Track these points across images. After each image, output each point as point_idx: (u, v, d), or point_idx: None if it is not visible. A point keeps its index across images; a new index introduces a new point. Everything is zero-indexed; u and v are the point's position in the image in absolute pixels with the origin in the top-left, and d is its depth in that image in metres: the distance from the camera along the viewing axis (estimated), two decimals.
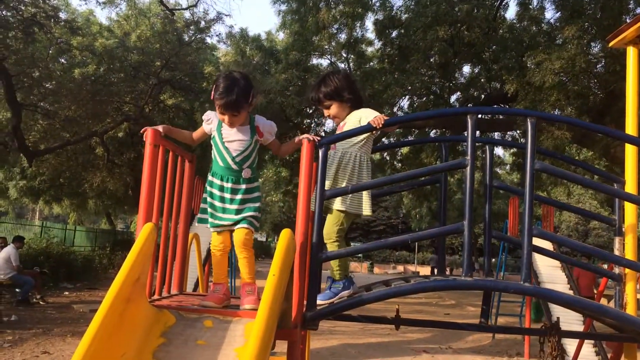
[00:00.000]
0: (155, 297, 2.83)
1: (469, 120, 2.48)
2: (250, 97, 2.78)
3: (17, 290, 11.38)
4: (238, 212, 2.75)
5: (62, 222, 33.03)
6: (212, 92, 2.78)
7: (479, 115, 14.62)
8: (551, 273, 8.33)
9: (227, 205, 2.77)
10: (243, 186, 2.77)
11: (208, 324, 2.26)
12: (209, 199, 2.81)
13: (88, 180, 18.42)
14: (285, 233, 2.35)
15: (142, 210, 2.50)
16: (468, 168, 2.47)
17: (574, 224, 40.02)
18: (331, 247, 2.95)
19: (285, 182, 19.01)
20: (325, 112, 3.22)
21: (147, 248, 2.26)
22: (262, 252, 45.43)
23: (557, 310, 7.02)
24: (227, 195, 2.76)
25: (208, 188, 2.83)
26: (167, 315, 2.27)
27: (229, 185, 2.76)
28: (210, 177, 2.83)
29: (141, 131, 2.68)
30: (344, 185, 2.93)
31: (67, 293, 13.49)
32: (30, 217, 41.44)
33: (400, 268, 41.59)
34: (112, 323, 1.93)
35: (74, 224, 31.06)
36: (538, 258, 8.26)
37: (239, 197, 2.76)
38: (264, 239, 53.51)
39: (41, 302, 11.30)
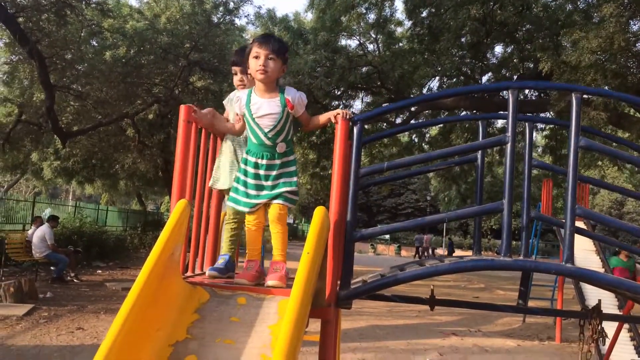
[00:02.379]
0: (189, 273, 2.85)
1: (510, 95, 2.39)
2: (285, 55, 2.77)
3: (52, 268, 11.70)
4: (273, 187, 2.72)
5: (95, 202, 33.78)
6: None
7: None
8: (586, 257, 8.15)
9: (263, 182, 2.73)
10: (278, 161, 2.73)
11: (241, 301, 2.26)
12: (242, 177, 2.77)
13: (119, 162, 18.73)
14: (319, 211, 2.31)
15: (176, 187, 2.50)
16: (509, 145, 2.39)
17: (607, 208, 39.18)
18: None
19: (313, 165, 18.98)
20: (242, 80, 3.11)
21: (180, 224, 2.26)
22: (290, 234, 45.61)
23: (591, 295, 6.88)
24: (262, 172, 2.73)
25: (242, 166, 2.79)
26: (201, 292, 2.28)
27: (264, 161, 2.72)
28: (245, 156, 2.80)
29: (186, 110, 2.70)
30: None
31: (100, 271, 13.82)
32: (63, 197, 42.46)
33: (440, 252, 41.41)
34: (148, 298, 1.94)
35: (106, 204, 31.73)
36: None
37: (274, 172, 2.72)
38: (291, 221, 53.79)
39: (75, 280, 11.59)
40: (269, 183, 2.73)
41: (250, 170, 2.74)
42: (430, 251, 38.04)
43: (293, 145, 2.81)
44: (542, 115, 15.19)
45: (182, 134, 2.54)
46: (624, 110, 12.07)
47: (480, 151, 3.23)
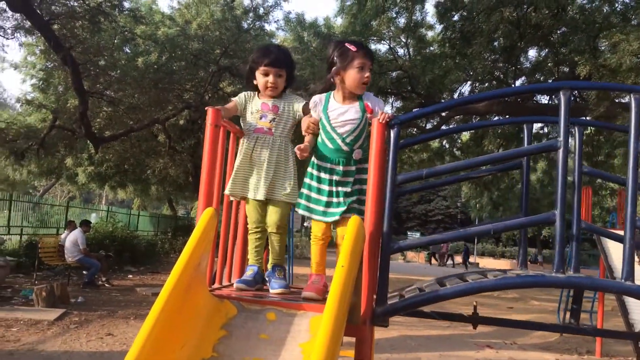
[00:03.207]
0: (216, 285, 2.74)
1: (562, 96, 2.21)
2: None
3: (84, 272, 11.82)
4: (347, 195, 2.69)
5: (127, 207, 34.29)
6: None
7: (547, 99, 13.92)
8: None
9: (338, 189, 2.70)
10: (354, 167, 2.69)
11: (271, 316, 2.13)
12: (315, 184, 2.73)
13: (151, 167, 18.93)
14: (354, 221, 2.17)
15: (203, 194, 2.40)
16: (561, 150, 2.21)
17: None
18: (283, 237, 2.86)
19: None
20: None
21: (207, 234, 2.15)
22: None
23: (635, 308, 6.55)
24: (338, 178, 2.69)
25: (315, 173, 2.74)
26: (228, 306, 2.16)
27: (341, 167, 2.68)
28: (317, 161, 2.75)
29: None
30: (286, 177, 2.82)
31: (130, 276, 13.92)
32: (97, 202, 43.27)
33: (458, 259, 40.68)
34: (172, 312, 1.83)
35: (137, 209, 32.17)
36: (612, 252, 7.73)
37: (351, 179, 2.69)
38: None
39: (106, 285, 11.69)
40: (344, 189, 2.68)
41: (325, 176, 2.69)
42: (447, 258, 37.31)
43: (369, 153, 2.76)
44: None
45: (210, 138, 2.44)
46: None
47: (525, 157, 3.03)
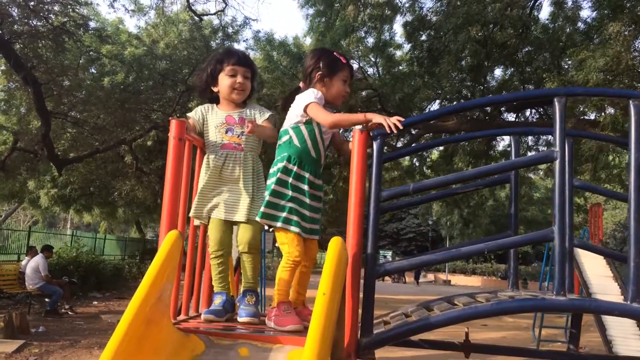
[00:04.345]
0: (181, 317, 2.50)
1: (556, 104, 2.09)
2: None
3: (46, 300, 11.32)
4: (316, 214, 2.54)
5: (93, 231, 33.38)
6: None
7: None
8: (603, 283, 7.78)
9: (317, 205, 2.53)
10: (320, 182, 2.56)
11: (244, 352, 1.92)
12: (299, 197, 2.50)
13: (117, 189, 18.46)
14: (335, 242, 1.96)
15: (166, 215, 2.18)
16: (557, 161, 2.09)
17: (611, 230, 38.81)
18: (257, 258, 2.66)
19: None
20: None
21: (171, 259, 1.94)
22: None
23: (612, 324, 6.53)
24: (316, 193, 2.54)
25: (293, 182, 2.49)
26: (195, 341, 1.94)
27: (319, 182, 2.53)
28: (297, 170, 2.50)
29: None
30: (259, 195, 2.61)
31: (96, 303, 13.42)
32: (61, 226, 42.05)
33: (431, 276, 40.73)
34: (130, 350, 1.63)
35: (104, 232, 31.34)
36: (587, 268, 7.74)
37: (320, 194, 2.56)
38: None
39: (70, 312, 11.21)
40: (318, 206, 2.53)
41: (306, 189, 2.50)
42: (400, 275, 36.14)
43: None
44: (543, 138, 14.98)
45: (173, 153, 2.23)
46: None
47: (513, 171, 2.91)
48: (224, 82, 2.70)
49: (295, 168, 2.50)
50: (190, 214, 2.68)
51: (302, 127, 2.54)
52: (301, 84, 2.71)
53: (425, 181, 2.47)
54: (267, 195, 2.50)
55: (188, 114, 2.76)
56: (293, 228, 2.44)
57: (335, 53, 2.67)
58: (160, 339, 1.81)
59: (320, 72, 2.57)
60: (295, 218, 2.46)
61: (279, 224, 2.46)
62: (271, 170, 2.57)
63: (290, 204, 2.47)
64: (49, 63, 11.85)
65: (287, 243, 2.46)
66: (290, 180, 2.49)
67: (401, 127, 2.23)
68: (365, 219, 2.23)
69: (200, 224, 2.75)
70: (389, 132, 2.24)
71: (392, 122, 2.26)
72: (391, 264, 2.43)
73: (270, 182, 2.53)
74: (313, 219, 2.53)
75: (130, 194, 18.49)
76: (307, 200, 2.49)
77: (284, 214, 2.46)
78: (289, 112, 2.62)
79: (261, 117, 2.73)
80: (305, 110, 2.51)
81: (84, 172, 17.28)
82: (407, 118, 2.34)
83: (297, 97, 2.61)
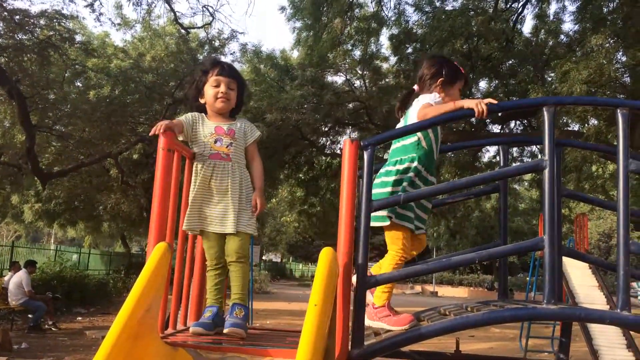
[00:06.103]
0: (169, 331, 2.46)
1: (545, 113, 2.11)
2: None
3: (29, 316, 11.12)
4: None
5: (78, 245, 32.94)
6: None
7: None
8: (589, 293, 7.82)
9: (429, 205, 2.69)
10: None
11: None
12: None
13: (102, 203, 18.29)
14: (326, 252, 1.94)
15: (154, 227, 2.15)
16: (547, 170, 2.10)
17: (595, 240, 39.16)
18: (245, 267, 2.62)
19: (300, 202, 18.71)
20: None
21: (159, 272, 1.91)
22: (277, 273, 44.97)
23: (598, 332, 6.55)
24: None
25: (419, 184, 2.60)
26: (183, 355, 1.92)
27: (434, 179, 2.69)
28: (424, 172, 2.62)
29: None
30: (247, 206, 2.63)
31: (80, 318, 13.20)
32: (45, 240, 41.48)
33: (418, 288, 40.66)
34: None
35: (89, 247, 30.94)
36: (573, 277, 7.78)
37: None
38: (279, 260, 53.01)
39: (53, 328, 11.00)
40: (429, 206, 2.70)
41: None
42: None
43: None
44: (527, 149, 15.16)
45: (162, 164, 2.21)
46: None
47: (502, 180, 2.93)
48: (209, 92, 2.71)
49: (422, 170, 2.61)
50: (184, 228, 2.65)
51: (430, 131, 2.63)
52: (415, 87, 2.81)
53: (417, 190, 2.48)
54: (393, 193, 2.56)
55: (179, 117, 2.74)
56: (409, 225, 2.58)
57: (455, 62, 2.82)
58: (148, 354, 1.77)
59: (442, 79, 2.69)
60: (413, 217, 2.61)
61: (407, 224, 2.57)
62: (392, 168, 2.63)
63: (414, 204, 2.59)
64: (34, 77, 11.75)
65: (401, 239, 2.55)
66: (417, 181, 2.59)
67: (490, 111, 2.29)
68: (356, 230, 2.22)
69: (191, 233, 2.73)
70: (479, 117, 2.31)
71: (483, 105, 2.30)
72: (382, 275, 2.41)
73: (396, 179, 2.58)
74: (423, 219, 2.70)
75: (116, 207, 18.34)
76: (424, 202, 2.65)
77: (410, 214, 2.57)
78: (411, 112, 2.70)
79: (251, 135, 2.76)
80: None
81: (69, 186, 17.10)
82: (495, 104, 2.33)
83: (421, 97, 2.69)
